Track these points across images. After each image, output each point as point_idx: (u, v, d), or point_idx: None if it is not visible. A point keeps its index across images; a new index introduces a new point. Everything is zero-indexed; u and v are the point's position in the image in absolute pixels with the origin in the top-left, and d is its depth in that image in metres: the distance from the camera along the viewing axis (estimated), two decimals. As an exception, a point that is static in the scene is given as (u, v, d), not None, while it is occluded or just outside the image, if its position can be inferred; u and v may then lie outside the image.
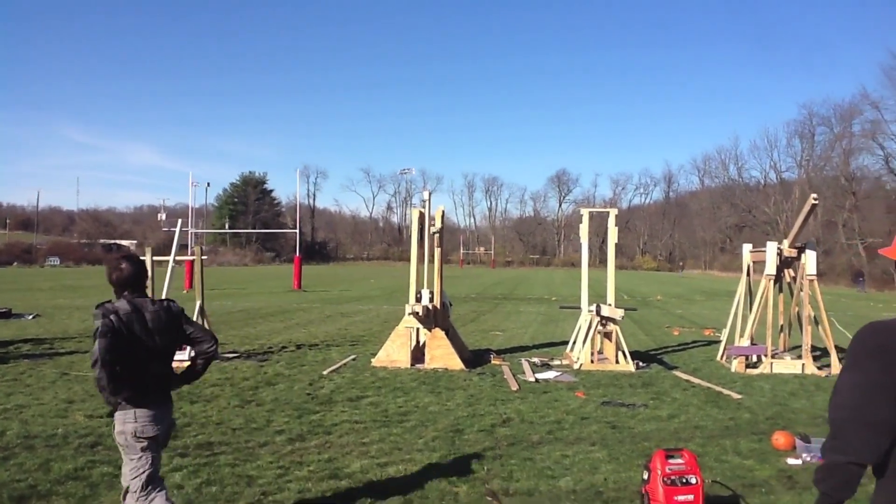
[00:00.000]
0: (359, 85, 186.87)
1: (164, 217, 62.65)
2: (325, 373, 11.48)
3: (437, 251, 13.40)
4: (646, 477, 5.17)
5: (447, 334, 12.56)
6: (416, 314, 12.15)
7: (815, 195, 11.97)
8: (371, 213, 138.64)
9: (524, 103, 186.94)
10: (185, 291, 30.06)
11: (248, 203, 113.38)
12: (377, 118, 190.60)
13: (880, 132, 63.61)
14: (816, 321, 13.06)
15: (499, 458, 6.83)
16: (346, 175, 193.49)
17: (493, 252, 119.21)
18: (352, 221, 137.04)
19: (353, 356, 13.31)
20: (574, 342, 13.54)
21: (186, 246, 37.82)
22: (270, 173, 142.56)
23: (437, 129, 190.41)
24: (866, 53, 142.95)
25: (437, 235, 13.42)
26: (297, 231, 45.86)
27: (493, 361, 12.99)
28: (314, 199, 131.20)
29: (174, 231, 13.78)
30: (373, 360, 12.58)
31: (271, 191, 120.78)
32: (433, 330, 12.46)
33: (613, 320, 12.66)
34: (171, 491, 5.68)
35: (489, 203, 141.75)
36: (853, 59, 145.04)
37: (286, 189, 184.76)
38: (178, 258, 13.31)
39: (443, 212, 13.63)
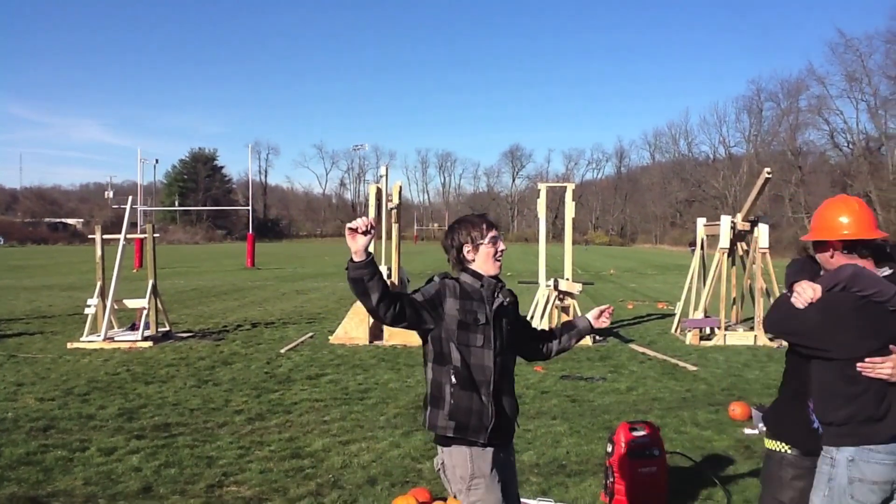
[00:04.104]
0: (311, 60, 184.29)
1: (111, 195, 61.50)
2: (282, 351, 11.35)
3: (394, 227, 13.31)
4: (609, 450, 5.20)
5: (405, 310, 12.50)
6: (373, 291, 12.05)
7: (768, 169, 12.17)
8: (324, 190, 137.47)
9: (478, 78, 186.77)
10: (135, 270, 29.49)
11: (199, 180, 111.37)
12: (330, 94, 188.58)
13: (826, 107, 65.00)
14: (768, 293, 13.31)
15: (461, 434, 6.82)
16: (298, 151, 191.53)
17: (447, 228, 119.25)
18: (305, 198, 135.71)
19: (310, 334, 13.20)
20: (531, 317, 13.59)
21: (136, 224, 37.06)
22: (221, 150, 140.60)
23: (390, 104, 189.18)
24: (814, 29, 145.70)
25: (394, 211, 13.32)
26: (250, 208, 45.27)
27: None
28: (266, 176, 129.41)
29: (123, 209, 13.45)
30: (331, 337, 12.48)
31: (222, 167, 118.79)
32: (391, 306, 12.38)
33: (571, 294, 12.74)
34: (129, 474, 5.57)
35: (443, 179, 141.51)
36: (801, 35, 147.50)
37: (237, 166, 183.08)
38: (128, 236, 13.00)
39: (400, 188, 13.52)
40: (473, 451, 3.14)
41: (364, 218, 2.95)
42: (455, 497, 3.26)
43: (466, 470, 3.15)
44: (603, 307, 3.68)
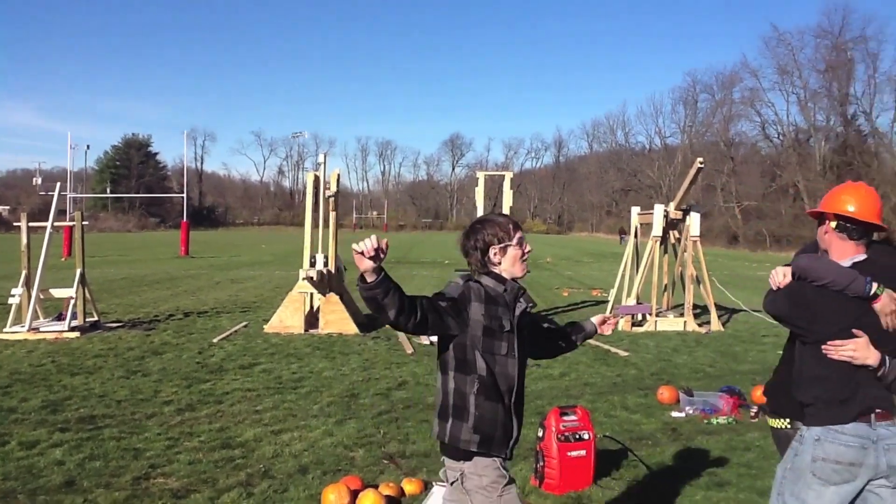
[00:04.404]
0: (249, 46, 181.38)
1: (39, 181, 59.43)
2: (215, 340, 11.17)
3: (332, 215, 13.20)
4: (540, 434, 5.27)
5: (342, 299, 12.45)
6: (310, 279, 11.96)
7: (701, 159, 12.44)
8: (262, 177, 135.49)
9: (419, 67, 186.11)
10: (63, 259, 28.63)
11: (132, 167, 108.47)
12: (269, 80, 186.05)
13: (758, 100, 66.75)
14: (698, 280, 13.63)
15: (395, 421, 6.83)
16: (235, 138, 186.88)
17: (385, 216, 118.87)
18: (242, 186, 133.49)
19: (244, 323, 13.02)
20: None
21: (65, 212, 35.98)
22: (156, 136, 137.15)
23: (330, 92, 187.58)
24: (748, 24, 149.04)
25: (332, 199, 13.21)
26: (185, 195, 44.33)
27: (388, 325, 12.95)
28: (202, 163, 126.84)
29: (51, 196, 13.04)
30: (265, 326, 12.34)
31: (156, 154, 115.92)
32: (327, 295, 12.32)
33: (506, 282, 12.80)
34: (51, 468, 5.42)
35: (383, 167, 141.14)
36: (737, 29, 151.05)
37: (172, 152, 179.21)
38: (56, 224, 12.61)
39: (338, 175, 13.41)
40: (497, 460, 2.98)
41: (371, 240, 2.68)
42: None
43: (497, 474, 2.96)
44: (607, 316, 3.53)
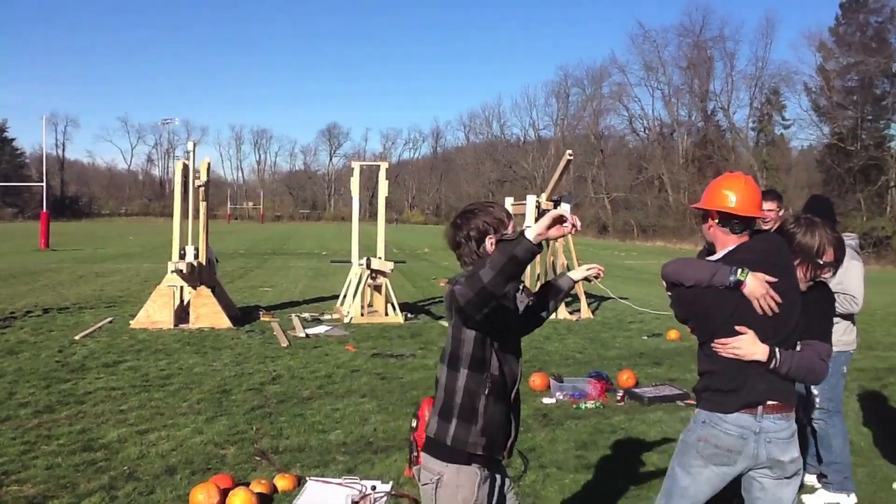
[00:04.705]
0: (114, 27, 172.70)
1: None
2: (77, 338, 10.62)
3: (202, 205, 12.79)
4: (414, 425, 5.29)
5: (213, 292, 12.10)
6: (179, 272, 11.55)
7: (570, 151, 12.84)
8: (129, 166, 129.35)
9: (295, 55, 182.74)
10: None
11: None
12: (136, 64, 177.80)
13: (626, 94, 69.44)
14: (569, 269, 14.05)
15: (268, 416, 6.72)
16: (100, 124, 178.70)
17: (262, 206, 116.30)
18: (108, 174, 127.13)
19: (109, 318, 12.44)
20: (344, 296, 13.59)
21: None
22: (12, 121, 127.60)
23: (202, 77, 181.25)
24: (617, 20, 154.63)
25: (202, 189, 12.79)
26: (44, 184, 41.92)
27: (262, 318, 12.72)
28: (63, 150, 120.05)
29: None
30: (132, 321, 11.83)
31: (13, 140, 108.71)
32: (198, 288, 11.95)
33: (383, 273, 12.83)
34: None
35: (258, 156, 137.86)
36: (606, 25, 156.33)
37: (31, 138, 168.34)
38: None
39: (208, 164, 13.00)
40: (481, 475, 2.82)
41: (573, 221, 2.54)
42: None
43: (472, 495, 2.79)
44: (592, 266, 3.31)
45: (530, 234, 2.44)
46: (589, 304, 14.19)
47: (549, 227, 2.47)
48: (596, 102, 77.19)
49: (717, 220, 3.08)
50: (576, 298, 14.29)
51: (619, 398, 7.51)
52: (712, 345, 2.95)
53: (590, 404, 7.29)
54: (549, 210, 13.51)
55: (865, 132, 44.57)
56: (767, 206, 4.68)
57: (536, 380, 7.96)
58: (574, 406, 7.27)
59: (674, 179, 58.01)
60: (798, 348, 3.08)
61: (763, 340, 2.93)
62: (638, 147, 70.30)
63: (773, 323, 2.94)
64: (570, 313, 13.69)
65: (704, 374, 3.09)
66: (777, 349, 2.93)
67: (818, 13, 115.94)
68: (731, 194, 3.04)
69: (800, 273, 3.15)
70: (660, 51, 64.21)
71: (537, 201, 13.53)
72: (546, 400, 7.47)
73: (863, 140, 43.92)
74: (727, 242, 3.08)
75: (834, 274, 3.25)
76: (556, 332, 11.91)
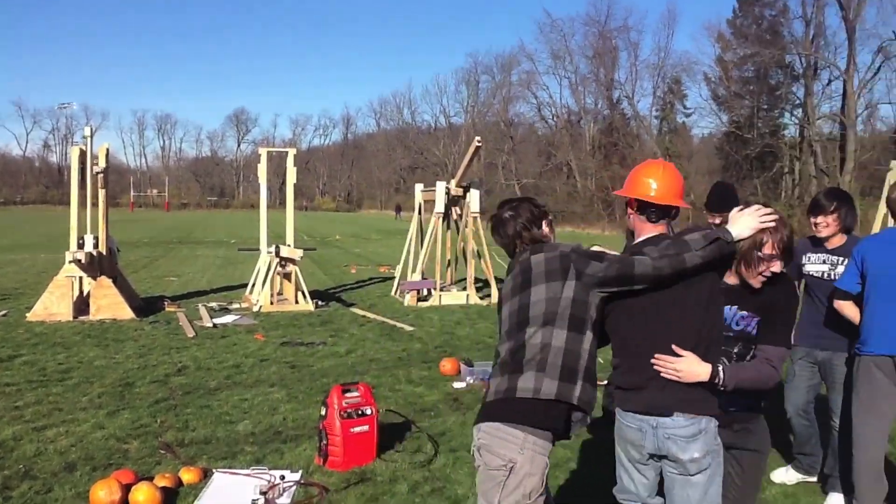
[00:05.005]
0: (5, 3, 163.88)
1: None
2: (-33, 332, 10.11)
3: (101, 193, 12.32)
4: (323, 413, 5.27)
5: (114, 282, 11.70)
6: (78, 262, 11.12)
7: (478, 138, 12.90)
8: (25, 152, 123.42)
9: (200, 37, 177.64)
10: None
11: None
12: (30, 44, 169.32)
13: (534, 82, 70.09)
14: (479, 255, 14.19)
15: (173, 409, 6.55)
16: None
17: (167, 194, 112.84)
18: (1, 161, 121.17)
19: (3, 312, 11.87)
20: (253, 284, 13.36)
21: None
22: None
23: (101, 60, 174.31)
24: (525, 9, 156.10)
25: (101, 176, 12.31)
26: (-72, 171, 39.53)
27: (167, 308, 12.38)
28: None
29: None
30: (28, 314, 11.33)
31: None
32: (98, 278, 11.53)
33: (293, 261, 12.66)
34: None
35: (162, 142, 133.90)
36: (514, 13, 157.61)
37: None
38: None
39: (107, 150, 12.51)
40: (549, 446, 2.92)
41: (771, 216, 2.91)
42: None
43: (540, 485, 2.88)
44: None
45: (734, 233, 2.83)
46: (499, 289, 14.34)
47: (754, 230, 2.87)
48: (505, 90, 77.86)
49: (635, 208, 3.05)
50: (487, 283, 14.44)
51: (527, 381, 7.62)
52: (653, 360, 2.86)
53: (499, 387, 7.38)
54: (458, 196, 13.64)
55: (761, 121, 46.42)
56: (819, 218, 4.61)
57: (447, 365, 8.02)
58: (484, 390, 7.33)
59: (581, 166, 59.10)
60: (750, 355, 3.17)
61: (658, 341, 2.88)
62: (547, 134, 71.25)
63: (664, 327, 2.87)
64: (481, 298, 13.84)
65: (614, 365, 3.09)
66: (721, 367, 2.88)
67: (717, 5, 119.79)
68: (651, 183, 3.00)
69: (743, 270, 3.12)
70: (567, 40, 65.11)
71: (447, 188, 13.59)
72: (457, 384, 7.53)
73: (759, 128, 45.73)
74: (643, 231, 3.05)
75: (785, 265, 3.14)
76: (467, 317, 12.02)
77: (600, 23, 61.25)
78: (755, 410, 3.44)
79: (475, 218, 13.85)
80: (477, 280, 14.49)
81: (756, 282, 3.12)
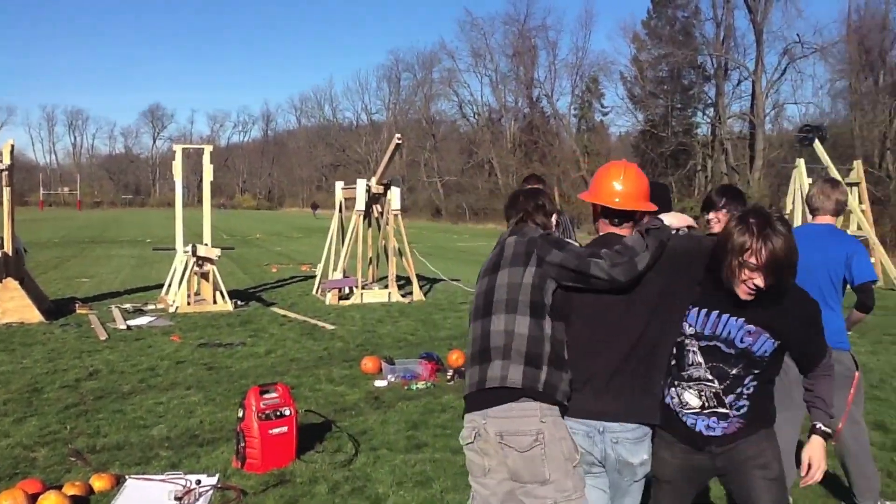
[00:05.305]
0: None
1: None
2: None
3: (5, 191, 11.81)
4: (241, 415, 5.19)
5: (21, 284, 11.25)
6: (-20, 264, 10.64)
7: (398, 136, 12.87)
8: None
9: (113, 29, 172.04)
10: None
11: None
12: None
13: (455, 80, 70.37)
14: (400, 253, 14.19)
15: (84, 414, 6.34)
16: None
17: (79, 192, 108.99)
18: None
19: None
20: (169, 285, 13.04)
21: None
22: None
23: (6, 53, 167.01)
24: (446, 7, 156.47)
25: (5, 173, 11.81)
26: None
27: (78, 311, 11.96)
28: None
29: None
30: (-74, 319, 10.80)
31: None
32: (4, 280, 11.07)
33: (210, 260, 12.42)
34: None
35: (73, 138, 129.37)
36: (435, 11, 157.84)
37: None
38: None
39: (12, 146, 12.00)
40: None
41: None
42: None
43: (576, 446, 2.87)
44: None
45: (665, 221, 2.88)
46: (421, 287, 14.39)
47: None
48: (427, 87, 77.89)
49: (599, 212, 3.04)
50: (409, 281, 14.45)
51: (449, 377, 7.68)
52: (802, 479, 2.86)
53: (421, 385, 7.41)
54: (379, 194, 13.60)
55: (675, 120, 47.74)
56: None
57: (368, 363, 7.99)
58: (406, 387, 7.36)
59: (503, 163, 59.64)
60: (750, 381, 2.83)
61: (595, 340, 2.86)
62: (468, 132, 71.60)
63: (605, 325, 2.86)
64: (403, 296, 13.83)
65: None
66: (820, 425, 2.85)
67: (632, 6, 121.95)
68: (616, 188, 2.97)
69: (725, 273, 2.71)
70: (487, 38, 65.54)
71: (367, 185, 13.53)
72: (378, 383, 7.51)
73: (673, 127, 47.02)
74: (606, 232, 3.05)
75: (772, 287, 2.69)
76: (388, 315, 12.00)
77: (520, 22, 61.88)
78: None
79: (396, 215, 13.83)
80: (399, 278, 14.48)
81: (742, 292, 2.69)
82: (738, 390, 2.82)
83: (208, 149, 12.98)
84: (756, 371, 2.80)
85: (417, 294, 14.01)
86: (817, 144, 13.16)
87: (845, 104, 40.33)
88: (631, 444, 2.79)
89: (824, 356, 2.89)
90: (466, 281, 16.29)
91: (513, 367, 2.80)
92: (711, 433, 2.83)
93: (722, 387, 2.82)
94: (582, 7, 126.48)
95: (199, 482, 4.66)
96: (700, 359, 2.83)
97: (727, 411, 2.82)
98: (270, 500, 4.61)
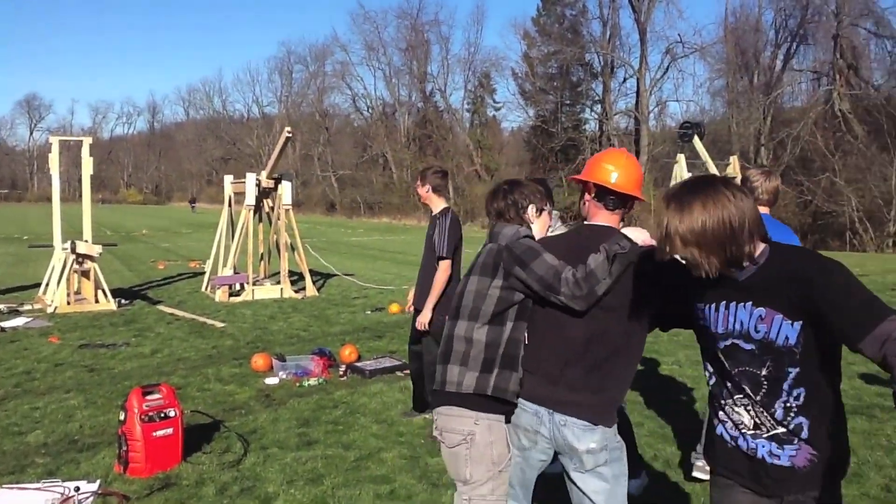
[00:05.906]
0: None
1: None
2: None
3: None
4: (122, 418, 5.01)
5: None
6: None
7: (288, 129, 12.70)
8: None
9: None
10: None
11: None
12: None
13: (348, 73, 69.77)
14: (293, 248, 14.00)
15: (-49, 423, 5.99)
16: None
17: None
18: None
19: None
20: (47, 283, 12.43)
21: None
22: None
23: None
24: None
25: None
26: None
27: (-54, 313, 11.27)
28: None
29: None
30: None
31: None
32: None
33: (91, 257, 11.91)
34: None
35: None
36: (328, 3, 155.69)
37: None
38: None
39: None
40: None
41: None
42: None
43: (506, 450, 3.01)
44: None
45: (636, 239, 2.78)
46: (314, 282, 14.25)
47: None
48: (319, 80, 76.88)
49: (593, 195, 2.97)
50: (301, 277, 14.27)
51: (341, 373, 7.63)
52: None
53: (313, 381, 7.34)
54: (269, 188, 13.38)
55: (565, 115, 48.88)
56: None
57: (259, 360, 7.85)
58: (297, 384, 7.28)
59: (397, 157, 59.57)
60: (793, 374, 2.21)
61: (549, 335, 2.88)
62: (362, 125, 71.14)
63: (561, 323, 2.85)
64: (296, 292, 13.66)
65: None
66: None
67: (523, 4, 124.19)
68: (614, 170, 2.93)
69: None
70: (380, 31, 65.22)
71: (257, 179, 13.28)
72: (269, 380, 7.39)
73: (562, 123, 48.14)
74: (596, 218, 2.99)
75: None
76: (281, 311, 11.83)
77: (412, 16, 61.88)
78: None
79: (288, 210, 13.64)
80: (291, 273, 14.29)
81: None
82: (784, 400, 2.22)
83: (87, 141, 12.44)
84: (792, 369, 2.19)
85: (310, 289, 13.86)
86: (696, 140, 13.69)
87: (723, 102, 42.40)
88: (579, 430, 2.75)
89: (876, 318, 1.98)
90: (361, 275, 16.22)
91: (468, 374, 2.96)
92: (776, 461, 2.24)
93: (760, 396, 2.26)
94: (473, 3, 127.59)
95: (77, 489, 4.48)
96: (728, 366, 2.31)
97: (784, 430, 2.23)
98: (155, 504, 4.49)
